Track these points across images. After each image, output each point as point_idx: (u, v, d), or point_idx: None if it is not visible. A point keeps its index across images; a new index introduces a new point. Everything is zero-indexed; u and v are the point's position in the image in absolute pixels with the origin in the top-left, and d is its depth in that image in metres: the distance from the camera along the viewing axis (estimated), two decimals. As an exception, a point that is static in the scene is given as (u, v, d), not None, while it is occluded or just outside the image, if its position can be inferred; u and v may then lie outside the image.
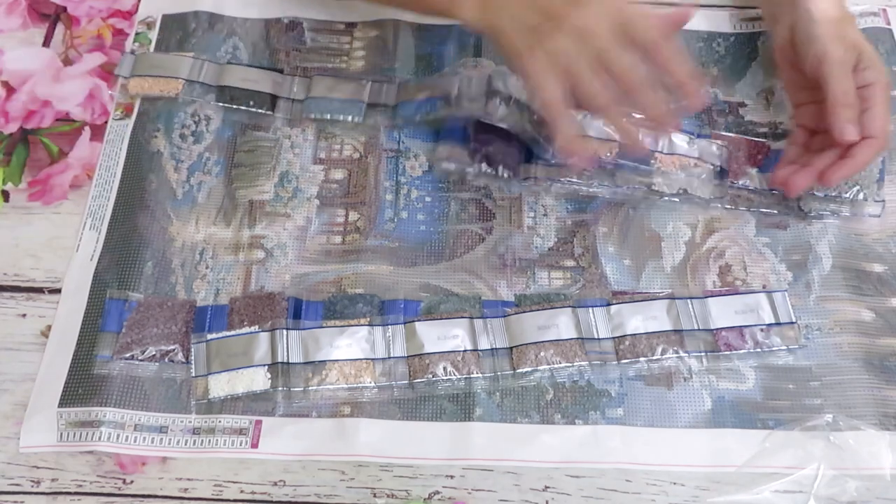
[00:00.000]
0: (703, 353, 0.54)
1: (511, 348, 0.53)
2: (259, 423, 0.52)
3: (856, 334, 0.55)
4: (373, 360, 0.53)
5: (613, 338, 0.54)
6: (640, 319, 0.54)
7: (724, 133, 0.62)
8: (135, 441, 0.51)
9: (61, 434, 0.51)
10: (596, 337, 0.54)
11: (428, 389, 0.52)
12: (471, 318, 0.54)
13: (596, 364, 0.53)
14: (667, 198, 0.60)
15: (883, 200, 0.59)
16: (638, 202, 0.60)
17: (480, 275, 0.57)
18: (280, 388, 0.52)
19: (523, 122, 0.58)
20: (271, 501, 0.50)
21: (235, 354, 0.52)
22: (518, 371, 0.53)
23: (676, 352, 0.53)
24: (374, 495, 0.50)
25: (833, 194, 0.59)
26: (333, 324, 0.53)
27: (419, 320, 0.54)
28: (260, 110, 0.63)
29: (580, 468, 0.51)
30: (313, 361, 0.52)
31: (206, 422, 0.51)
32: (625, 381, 0.53)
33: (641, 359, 0.53)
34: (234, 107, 0.63)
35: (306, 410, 0.52)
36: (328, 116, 0.62)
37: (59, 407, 0.52)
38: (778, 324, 0.54)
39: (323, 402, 0.52)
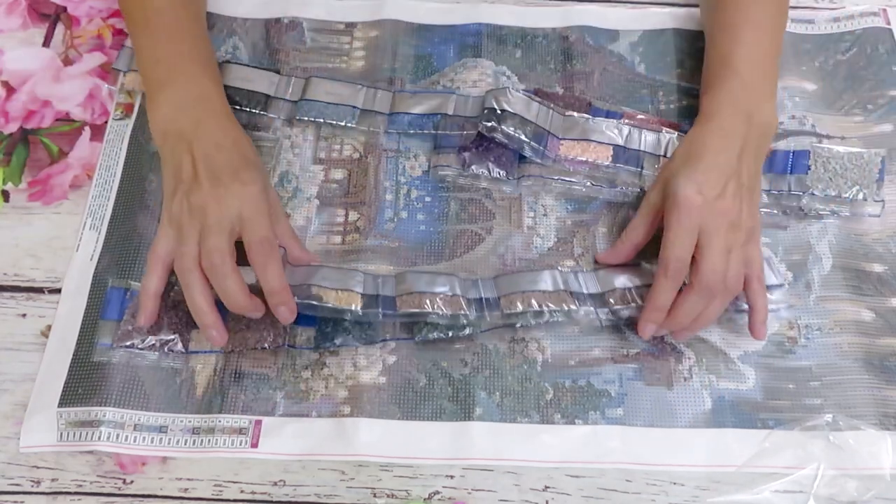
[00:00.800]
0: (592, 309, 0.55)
1: (499, 297, 0.54)
2: (259, 422, 0.52)
3: (856, 334, 0.55)
4: (361, 293, 0.53)
5: (602, 292, 0.55)
6: (627, 278, 0.55)
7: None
8: (135, 441, 0.51)
9: (61, 434, 0.51)
10: (584, 291, 0.55)
11: (413, 318, 0.53)
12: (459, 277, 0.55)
13: (586, 310, 0.54)
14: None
15: (882, 200, 0.59)
16: (637, 203, 0.60)
17: (480, 275, 0.57)
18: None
19: (521, 139, 0.59)
20: (271, 501, 0.50)
21: None
22: (507, 312, 0.53)
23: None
24: (374, 495, 0.50)
25: (833, 194, 0.59)
26: (328, 265, 0.55)
27: (410, 270, 0.55)
28: (254, 110, 0.63)
29: (580, 468, 0.51)
30: (304, 284, 0.52)
31: (205, 422, 0.51)
32: (625, 381, 0.53)
33: (632, 304, 0.54)
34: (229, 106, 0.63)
35: (306, 410, 0.52)
36: (321, 120, 0.62)
37: (58, 407, 0.52)
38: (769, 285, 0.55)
39: (323, 402, 0.52)
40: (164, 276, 0.52)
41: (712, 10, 0.61)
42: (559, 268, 0.57)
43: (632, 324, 0.54)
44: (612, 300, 0.54)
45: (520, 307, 0.53)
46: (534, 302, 0.53)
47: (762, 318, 0.53)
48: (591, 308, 0.54)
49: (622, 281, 0.55)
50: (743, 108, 0.55)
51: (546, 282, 0.55)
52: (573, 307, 0.54)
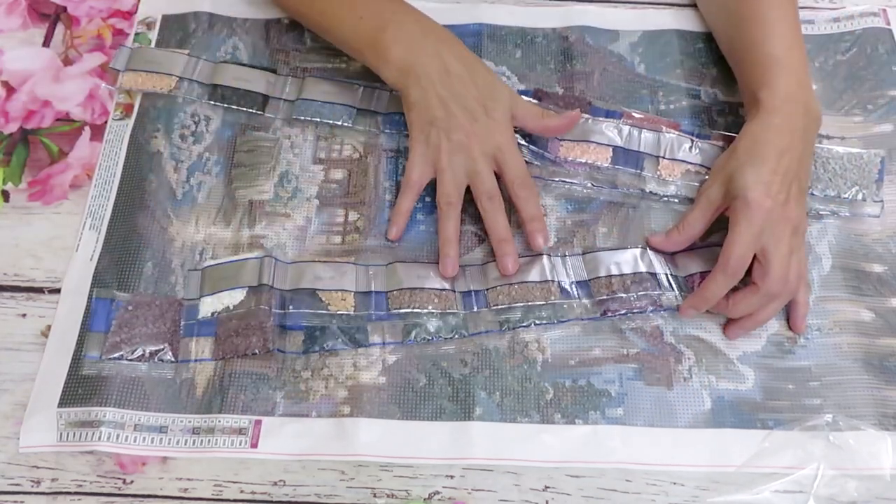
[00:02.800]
0: (676, 294, 0.55)
1: (487, 289, 0.55)
2: (259, 422, 0.52)
3: (855, 334, 0.55)
4: (354, 291, 0.54)
5: (588, 280, 0.56)
6: (613, 263, 0.56)
7: (724, 133, 0.62)
8: (135, 441, 0.51)
9: (61, 434, 0.51)
10: (571, 279, 0.56)
11: (405, 320, 0.54)
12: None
13: (569, 303, 0.55)
14: (666, 199, 0.60)
15: (882, 201, 0.59)
16: (637, 203, 0.60)
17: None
18: (262, 307, 0.53)
19: (520, 141, 0.59)
20: (271, 501, 0.50)
21: (225, 278, 0.54)
22: (493, 307, 0.54)
23: (649, 289, 0.55)
24: (374, 495, 0.50)
25: (832, 194, 0.59)
26: (321, 259, 0.56)
27: (400, 261, 0.56)
28: (251, 110, 0.63)
29: (580, 468, 0.51)
30: (297, 289, 0.54)
31: (205, 421, 0.52)
32: (625, 381, 0.53)
33: (616, 295, 0.55)
34: (226, 105, 0.63)
35: (306, 410, 0.52)
36: (317, 119, 0.62)
37: (58, 407, 0.52)
38: None
39: (323, 402, 0.52)
40: (416, 199, 0.57)
41: (731, 4, 0.61)
42: (548, 253, 0.57)
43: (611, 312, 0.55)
44: (595, 289, 0.55)
45: (505, 302, 0.54)
46: (520, 298, 0.54)
47: (803, 313, 0.54)
48: (575, 301, 0.55)
49: (607, 268, 0.56)
50: (802, 104, 0.55)
51: (534, 273, 0.55)
52: (557, 300, 0.54)
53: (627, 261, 0.56)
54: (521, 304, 0.54)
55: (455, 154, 0.55)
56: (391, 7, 0.59)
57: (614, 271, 0.56)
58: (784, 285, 0.52)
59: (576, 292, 0.55)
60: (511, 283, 0.55)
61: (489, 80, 0.57)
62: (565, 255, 0.57)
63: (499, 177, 0.57)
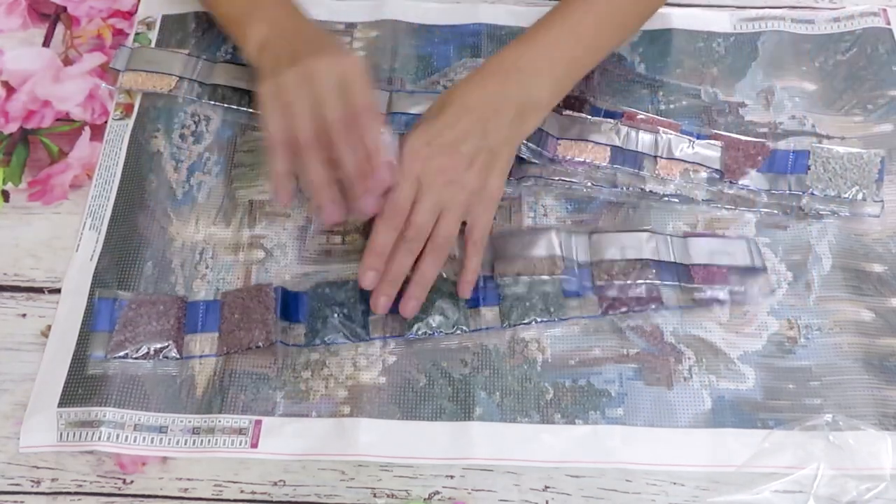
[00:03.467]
0: (678, 285, 0.55)
1: (494, 260, 0.56)
2: (259, 422, 0.52)
3: (856, 334, 0.55)
4: None
5: (591, 261, 0.56)
6: (618, 249, 0.56)
7: (723, 133, 0.62)
8: (135, 441, 0.51)
9: (61, 434, 0.51)
10: (575, 258, 0.56)
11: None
12: None
13: (568, 279, 0.55)
14: (666, 198, 0.60)
15: (882, 201, 0.59)
16: (637, 202, 0.60)
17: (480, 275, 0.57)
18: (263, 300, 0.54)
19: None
20: (271, 501, 0.50)
21: None
22: (498, 281, 0.55)
23: (651, 280, 0.55)
24: (374, 495, 0.50)
25: (833, 194, 0.59)
26: None
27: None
28: (250, 109, 0.63)
29: (580, 468, 0.51)
30: None
31: (205, 421, 0.51)
32: (625, 380, 0.53)
33: (615, 281, 0.55)
34: (225, 105, 0.63)
35: (306, 410, 0.52)
36: None
37: (58, 407, 0.52)
38: (753, 268, 0.56)
39: (323, 402, 0.52)
40: (288, 154, 0.51)
41: None
42: (557, 227, 0.57)
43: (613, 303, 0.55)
44: (596, 272, 0.56)
45: (511, 274, 0.55)
46: (522, 267, 0.55)
47: (468, 279, 0.54)
48: (576, 278, 0.55)
49: (612, 252, 0.56)
50: (517, 74, 0.55)
51: (541, 245, 0.56)
52: (560, 275, 0.55)
53: (633, 245, 0.56)
54: (527, 277, 0.55)
55: (299, 86, 0.51)
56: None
57: (618, 256, 0.56)
58: (424, 235, 0.52)
59: (577, 271, 0.56)
60: (518, 256, 0.55)
61: (343, 47, 0.57)
62: (572, 233, 0.57)
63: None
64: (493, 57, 0.57)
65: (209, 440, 0.51)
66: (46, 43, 0.68)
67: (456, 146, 0.53)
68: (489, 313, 0.55)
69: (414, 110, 0.62)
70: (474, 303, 0.55)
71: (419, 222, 0.51)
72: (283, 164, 0.52)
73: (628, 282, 0.55)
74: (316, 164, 0.51)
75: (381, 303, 0.53)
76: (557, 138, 0.60)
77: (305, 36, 0.56)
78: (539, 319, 0.54)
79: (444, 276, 0.55)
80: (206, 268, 0.57)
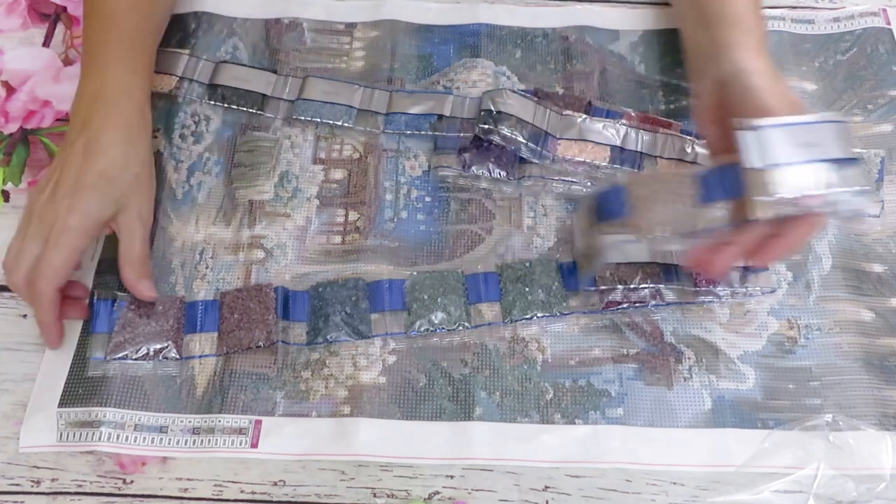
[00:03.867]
0: (680, 287, 0.55)
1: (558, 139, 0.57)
2: (259, 422, 0.52)
3: (856, 334, 0.55)
4: None
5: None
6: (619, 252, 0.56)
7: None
8: (135, 441, 0.51)
9: (61, 434, 0.51)
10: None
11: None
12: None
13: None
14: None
15: (882, 201, 0.59)
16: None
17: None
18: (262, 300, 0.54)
19: (517, 139, 0.59)
20: (271, 501, 0.50)
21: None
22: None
23: (654, 283, 0.55)
24: (374, 495, 0.50)
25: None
26: None
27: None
28: (251, 110, 0.63)
29: (580, 468, 0.51)
30: None
31: (205, 421, 0.52)
32: (625, 380, 0.53)
33: (619, 286, 0.54)
34: (226, 105, 0.63)
35: (306, 410, 0.52)
36: (318, 119, 0.62)
37: (58, 407, 0.52)
38: (754, 270, 0.56)
39: (323, 402, 0.52)
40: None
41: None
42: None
43: None
44: (598, 275, 0.55)
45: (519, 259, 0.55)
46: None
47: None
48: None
49: (613, 255, 0.55)
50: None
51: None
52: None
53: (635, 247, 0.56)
54: (526, 262, 0.55)
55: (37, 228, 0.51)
56: (105, 54, 0.56)
57: (620, 259, 0.55)
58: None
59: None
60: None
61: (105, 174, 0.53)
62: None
63: None
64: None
65: (209, 440, 0.51)
66: (46, 43, 0.68)
67: None
68: (490, 310, 0.55)
69: (413, 111, 0.62)
70: (476, 299, 0.55)
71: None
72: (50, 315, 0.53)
73: (632, 286, 0.55)
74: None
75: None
76: (557, 138, 0.60)
77: (92, 148, 0.53)
78: (540, 315, 0.54)
79: (461, 271, 0.56)
80: (206, 268, 0.57)
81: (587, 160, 0.60)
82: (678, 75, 0.66)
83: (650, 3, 0.70)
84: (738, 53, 0.52)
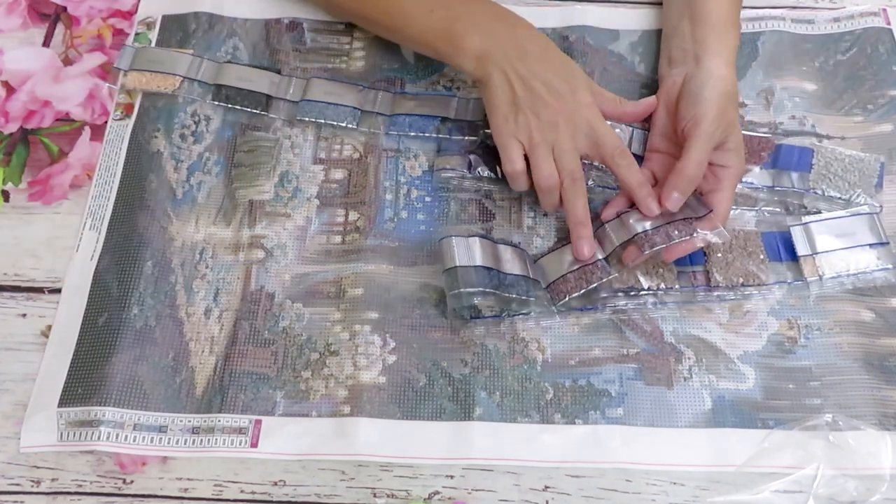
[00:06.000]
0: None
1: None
2: (259, 422, 0.52)
3: (856, 334, 0.55)
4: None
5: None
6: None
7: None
8: (134, 440, 0.51)
9: (61, 434, 0.51)
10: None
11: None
12: None
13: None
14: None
15: (880, 205, 0.59)
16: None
17: None
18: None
19: None
20: (271, 501, 0.50)
21: None
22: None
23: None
24: (374, 495, 0.50)
25: (834, 195, 0.59)
26: None
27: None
28: (255, 110, 0.63)
29: (580, 468, 0.51)
30: None
31: (205, 421, 0.52)
32: (625, 380, 0.53)
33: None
34: (229, 106, 0.63)
35: (306, 410, 0.52)
36: (322, 121, 0.62)
37: (58, 407, 0.52)
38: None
39: (323, 402, 0.52)
40: (529, 182, 0.56)
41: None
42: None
43: None
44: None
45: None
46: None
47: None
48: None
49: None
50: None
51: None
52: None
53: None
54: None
55: (546, 132, 0.55)
56: None
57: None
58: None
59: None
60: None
61: (565, 60, 0.57)
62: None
63: (590, 157, 0.56)
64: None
65: (209, 440, 0.51)
66: (46, 43, 0.68)
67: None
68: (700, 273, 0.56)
69: (417, 111, 0.62)
70: (686, 262, 0.55)
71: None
72: (525, 187, 0.57)
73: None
74: (581, 198, 0.55)
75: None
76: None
77: (530, 49, 0.56)
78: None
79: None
80: (206, 268, 0.57)
81: (591, 162, 0.60)
82: (678, 75, 0.66)
83: (650, 4, 0.70)
84: (714, 62, 0.57)
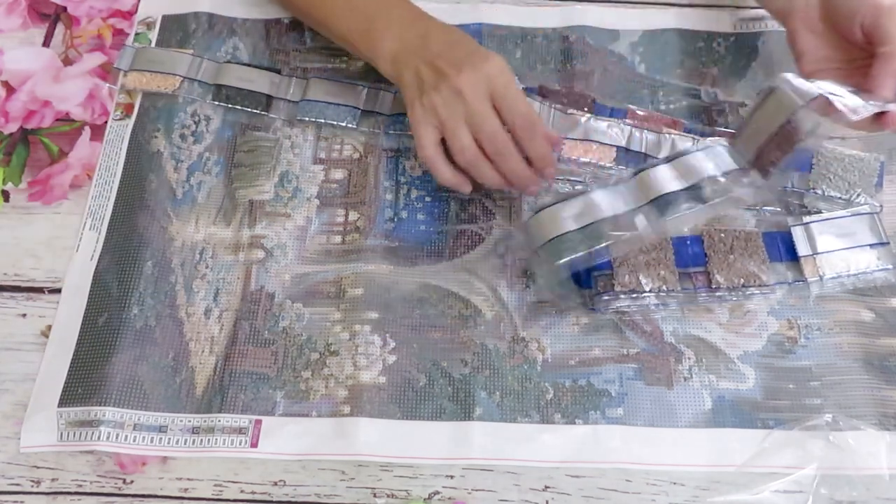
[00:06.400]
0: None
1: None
2: (259, 422, 0.52)
3: (856, 334, 0.55)
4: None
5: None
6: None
7: (726, 130, 0.62)
8: (134, 441, 0.51)
9: (61, 434, 0.51)
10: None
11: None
12: None
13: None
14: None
15: (880, 205, 0.59)
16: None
17: (480, 275, 0.57)
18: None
19: None
20: (271, 501, 0.50)
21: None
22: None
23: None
24: (374, 495, 0.50)
25: (835, 195, 0.59)
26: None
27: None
28: (255, 110, 0.63)
29: (580, 468, 0.51)
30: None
31: (205, 421, 0.52)
32: (625, 380, 0.53)
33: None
34: (230, 106, 0.63)
35: (306, 410, 0.52)
36: (322, 120, 0.62)
37: (58, 407, 0.52)
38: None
39: (323, 402, 0.52)
40: (449, 166, 0.55)
41: None
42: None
43: None
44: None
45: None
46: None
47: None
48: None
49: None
50: None
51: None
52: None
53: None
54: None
55: (452, 104, 0.53)
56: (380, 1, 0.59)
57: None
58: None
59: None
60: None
61: (479, 50, 0.55)
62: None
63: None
64: None
65: (209, 440, 0.51)
66: (46, 43, 0.68)
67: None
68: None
69: None
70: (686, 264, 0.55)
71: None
72: (449, 170, 0.55)
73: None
74: (488, 172, 0.54)
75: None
76: (563, 138, 0.60)
77: (438, 41, 0.56)
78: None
79: None
80: (206, 267, 0.57)
81: (592, 161, 0.60)
82: (678, 75, 0.66)
83: (650, 3, 0.70)
84: None
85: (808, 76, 0.57)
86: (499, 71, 0.53)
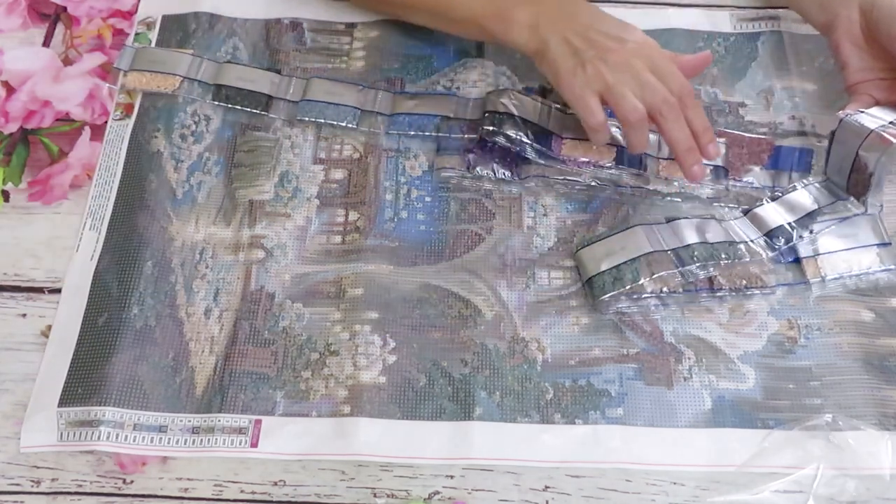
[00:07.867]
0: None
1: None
2: (259, 422, 0.52)
3: (856, 334, 0.55)
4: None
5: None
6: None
7: (727, 130, 0.62)
8: (134, 440, 0.51)
9: (61, 434, 0.51)
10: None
11: None
12: None
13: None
14: (668, 198, 0.60)
15: (881, 205, 0.59)
16: (638, 202, 0.60)
17: (480, 275, 0.57)
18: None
19: (522, 141, 0.59)
20: (271, 501, 0.50)
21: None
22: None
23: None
24: (374, 495, 0.50)
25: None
26: None
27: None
28: (255, 110, 0.63)
29: (580, 468, 0.51)
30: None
31: (205, 421, 0.52)
32: (625, 380, 0.53)
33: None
34: (230, 106, 0.63)
35: (306, 410, 0.52)
36: (321, 120, 0.62)
37: (58, 406, 0.52)
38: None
39: (323, 402, 0.52)
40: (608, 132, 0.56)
41: None
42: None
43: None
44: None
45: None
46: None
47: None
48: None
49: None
50: None
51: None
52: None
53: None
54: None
55: (619, 73, 0.54)
56: None
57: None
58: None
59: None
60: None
61: (626, 24, 0.57)
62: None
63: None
64: None
65: (209, 440, 0.51)
66: (46, 43, 0.68)
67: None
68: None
69: (417, 110, 0.62)
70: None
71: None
72: (614, 134, 0.57)
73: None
74: (647, 136, 0.55)
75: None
76: (562, 137, 0.60)
77: (583, 13, 0.56)
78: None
79: None
80: (206, 267, 0.57)
81: (592, 160, 0.60)
82: (678, 75, 0.66)
83: (650, 3, 0.70)
84: None
85: (852, 87, 0.59)
86: (653, 44, 0.56)
